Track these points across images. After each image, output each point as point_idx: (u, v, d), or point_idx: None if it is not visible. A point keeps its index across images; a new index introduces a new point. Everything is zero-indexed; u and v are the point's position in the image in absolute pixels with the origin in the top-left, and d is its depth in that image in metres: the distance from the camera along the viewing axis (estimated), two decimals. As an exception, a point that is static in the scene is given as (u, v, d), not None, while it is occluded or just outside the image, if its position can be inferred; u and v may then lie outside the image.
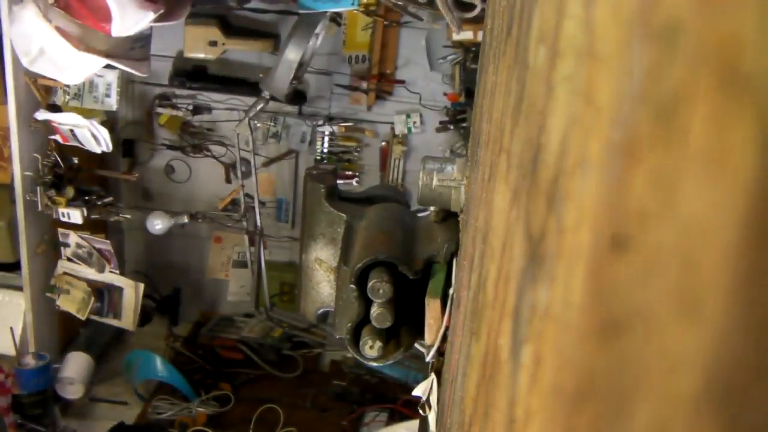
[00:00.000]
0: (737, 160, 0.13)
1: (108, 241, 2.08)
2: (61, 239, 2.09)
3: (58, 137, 1.94)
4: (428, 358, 0.86)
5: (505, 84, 0.47)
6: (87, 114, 1.91)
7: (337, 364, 2.33)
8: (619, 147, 0.19)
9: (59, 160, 1.96)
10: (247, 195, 2.35)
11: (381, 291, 0.84)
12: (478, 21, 1.26)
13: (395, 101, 2.36)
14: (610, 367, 0.18)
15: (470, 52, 1.99)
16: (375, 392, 2.18)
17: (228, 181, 2.42)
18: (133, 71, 1.73)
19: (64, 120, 1.88)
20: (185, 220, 2.22)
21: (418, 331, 0.88)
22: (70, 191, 1.97)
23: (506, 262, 0.36)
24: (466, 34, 1.70)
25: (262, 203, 2.38)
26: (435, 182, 0.90)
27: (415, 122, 2.35)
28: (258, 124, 2.36)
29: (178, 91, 2.35)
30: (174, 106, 2.35)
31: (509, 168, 0.39)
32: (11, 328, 2.03)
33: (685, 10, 0.15)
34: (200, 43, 2.19)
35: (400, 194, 1.30)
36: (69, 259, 2.10)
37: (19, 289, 2.08)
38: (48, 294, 2.11)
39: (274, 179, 2.48)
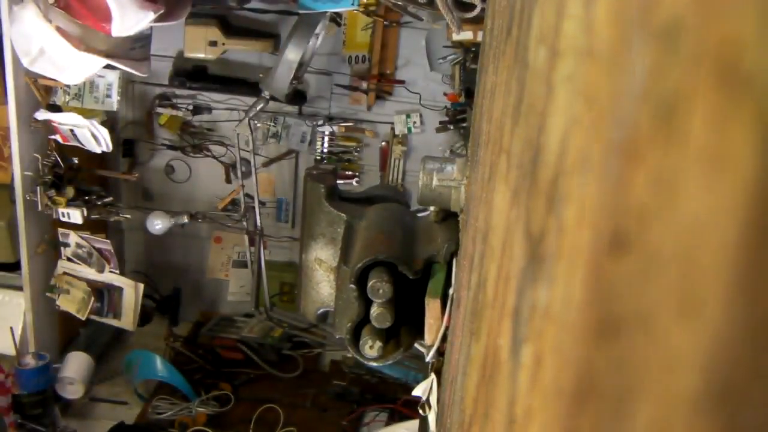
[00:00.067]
0: (737, 160, 0.13)
1: (108, 241, 2.08)
2: (61, 239, 2.09)
3: (58, 137, 1.94)
4: (428, 358, 0.86)
5: (505, 84, 0.47)
6: (87, 114, 1.91)
7: (337, 364, 2.33)
8: (619, 147, 0.19)
9: (59, 160, 1.96)
10: (247, 195, 2.35)
11: (381, 291, 0.84)
12: (478, 21, 1.26)
13: (395, 101, 2.36)
14: (609, 366, 0.18)
15: (470, 52, 1.99)
16: (375, 392, 2.18)
17: (228, 181, 2.42)
18: (133, 71, 1.73)
19: (65, 120, 1.88)
20: (185, 220, 2.22)
21: (418, 331, 0.88)
22: (70, 191, 1.97)
23: (506, 262, 0.36)
24: (466, 34, 1.70)
25: (262, 203, 2.38)
26: (435, 182, 0.90)
27: (415, 122, 2.35)
28: (258, 124, 2.36)
29: (178, 91, 2.35)
30: (174, 106, 2.35)
31: (509, 168, 0.39)
32: (11, 328, 2.03)
33: (685, 10, 0.15)
34: (200, 43, 2.19)
35: (400, 194, 1.30)
36: (69, 259, 2.10)
37: (19, 289, 2.08)
38: (48, 294, 2.11)
39: (274, 179, 2.48)
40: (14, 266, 2.09)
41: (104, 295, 2.12)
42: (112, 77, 1.93)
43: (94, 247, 2.08)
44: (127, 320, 2.14)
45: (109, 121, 2.11)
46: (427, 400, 0.89)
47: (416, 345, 0.92)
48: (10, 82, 1.85)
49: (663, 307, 0.15)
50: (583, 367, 0.20)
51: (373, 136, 2.39)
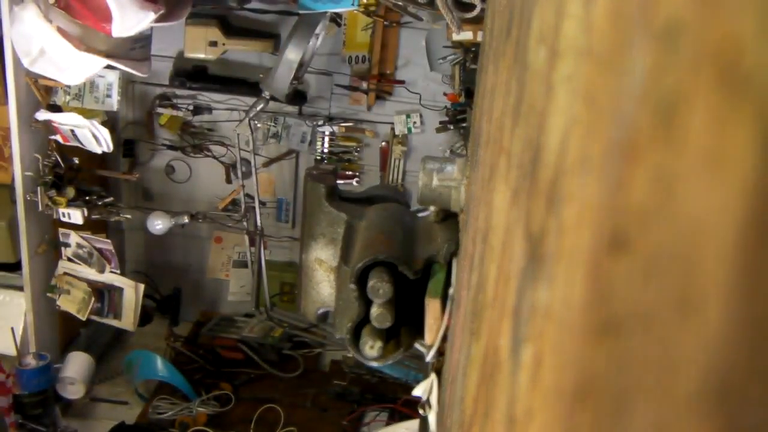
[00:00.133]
0: (737, 160, 0.13)
1: (109, 241, 2.08)
2: (61, 239, 2.09)
3: (58, 137, 1.94)
4: (428, 358, 0.86)
5: (505, 84, 0.47)
6: (88, 114, 1.91)
7: (337, 364, 2.33)
8: (619, 147, 0.19)
9: (60, 160, 1.96)
10: (247, 195, 2.35)
11: (381, 291, 0.84)
12: (478, 21, 1.26)
13: (395, 101, 2.36)
14: (609, 366, 0.18)
15: (470, 52, 1.99)
16: (375, 392, 2.18)
17: (228, 181, 2.42)
18: (133, 71, 1.74)
19: (65, 120, 1.88)
20: (185, 220, 2.22)
21: (418, 331, 0.88)
22: (70, 191, 1.97)
23: (506, 262, 0.36)
24: (466, 35, 1.70)
25: (262, 203, 2.38)
26: (435, 182, 0.90)
27: (415, 122, 2.35)
28: (258, 125, 2.36)
29: (179, 92, 2.35)
30: (174, 107, 2.35)
31: (509, 168, 0.39)
32: (12, 328, 2.03)
33: (685, 10, 0.15)
34: (200, 44, 2.19)
35: (400, 194, 1.30)
36: (69, 259, 2.11)
37: (20, 289, 2.08)
38: (48, 294, 2.11)
39: (274, 179, 2.48)
40: (15, 266, 2.09)
41: (105, 295, 2.12)
42: (113, 77, 1.93)
43: (94, 247, 2.08)
44: (127, 320, 2.14)
45: (110, 122, 2.11)
46: (427, 400, 0.89)
47: (416, 345, 0.92)
48: (10, 83, 1.85)
49: (662, 307, 0.15)
50: (583, 367, 0.20)
51: (373, 136, 2.39)
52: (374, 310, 0.86)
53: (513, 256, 0.34)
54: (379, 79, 2.31)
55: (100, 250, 2.08)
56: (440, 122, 2.29)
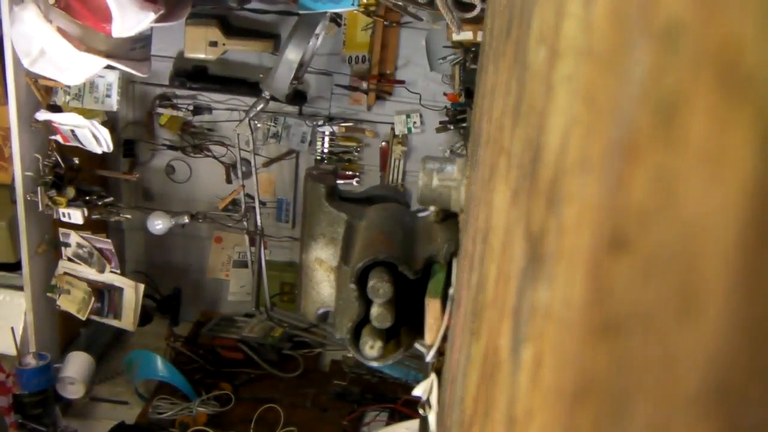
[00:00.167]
0: (737, 160, 0.13)
1: (109, 241, 2.08)
2: (61, 239, 2.09)
3: (58, 137, 1.94)
4: (428, 358, 0.86)
5: (505, 84, 0.47)
6: (88, 114, 1.91)
7: (337, 364, 2.33)
8: (619, 147, 0.19)
9: (60, 160, 1.96)
10: (247, 195, 2.35)
11: (381, 291, 0.84)
12: (478, 21, 1.26)
13: (395, 101, 2.36)
14: (609, 366, 0.18)
15: (470, 52, 1.99)
16: (375, 392, 2.18)
17: (228, 181, 2.42)
18: (133, 72, 1.74)
19: (65, 120, 1.88)
20: (186, 220, 2.22)
21: (418, 331, 0.88)
22: (70, 191, 1.97)
23: (506, 262, 0.36)
24: (466, 35, 1.70)
25: (262, 203, 2.38)
26: (435, 182, 0.90)
27: (415, 122, 2.35)
28: (258, 125, 2.36)
29: (179, 92, 2.35)
30: (174, 107, 2.35)
31: (509, 168, 0.39)
32: (12, 328, 2.04)
33: (685, 11, 0.15)
34: (200, 44, 2.19)
35: (400, 194, 1.30)
36: (70, 259, 2.11)
37: (20, 289, 2.08)
38: (48, 294, 2.11)
39: (274, 179, 2.48)
40: (15, 266, 2.09)
41: (105, 295, 2.12)
42: (112, 77, 1.93)
43: (95, 247, 2.08)
44: (127, 320, 2.14)
45: (110, 122, 2.11)
46: (427, 400, 0.89)
47: (416, 345, 0.92)
48: (10, 83, 1.85)
49: (662, 307, 0.15)
50: (583, 367, 0.20)
51: (373, 136, 2.39)
52: (374, 310, 0.86)
53: (513, 256, 0.34)
54: (379, 79, 2.31)
55: (100, 250, 2.08)
56: (440, 122, 2.29)
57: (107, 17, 1.53)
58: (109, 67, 1.67)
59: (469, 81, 2.07)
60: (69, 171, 1.99)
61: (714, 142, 0.14)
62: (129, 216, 2.16)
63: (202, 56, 2.22)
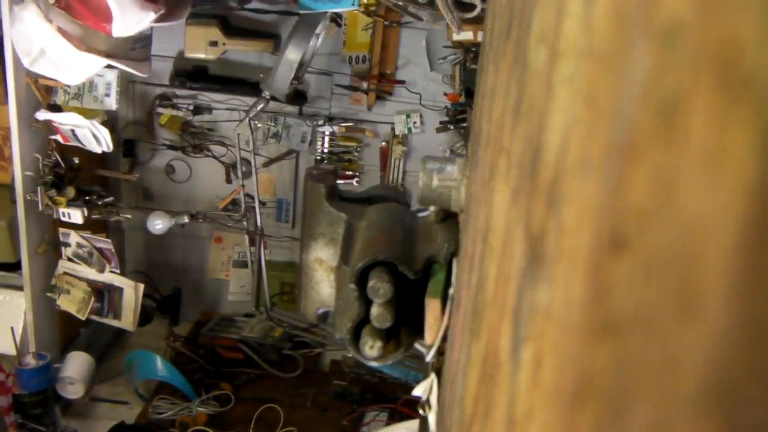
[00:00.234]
0: (737, 160, 0.13)
1: (109, 240, 2.08)
2: (61, 239, 2.09)
3: (58, 137, 1.94)
4: (428, 358, 0.86)
5: (505, 84, 0.47)
6: (88, 114, 1.91)
7: (337, 364, 2.33)
8: (619, 147, 0.19)
9: (60, 160, 1.96)
10: (247, 195, 2.35)
11: (381, 291, 0.84)
12: (478, 21, 1.26)
13: (395, 101, 2.36)
14: (609, 366, 0.18)
15: (470, 52, 1.99)
16: (375, 392, 2.18)
17: (228, 181, 2.42)
18: (133, 71, 1.74)
19: (65, 120, 1.88)
20: (185, 220, 2.22)
21: (418, 331, 0.88)
22: (70, 191, 1.97)
23: (506, 262, 0.36)
24: (466, 35, 1.70)
25: (262, 203, 2.38)
26: (435, 182, 0.90)
27: (415, 122, 2.35)
28: (258, 124, 2.36)
29: (179, 92, 2.35)
30: (174, 106, 2.35)
31: (509, 168, 0.39)
32: (12, 328, 2.03)
33: (686, 11, 0.15)
34: (201, 44, 2.19)
35: (400, 194, 1.30)
36: (69, 259, 2.11)
37: (20, 288, 2.08)
38: (48, 294, 2.11)
39: (274, 179, 2.48)
40: (15, 266, 2.09)
41: (104, 295, 2.12)
42: (111, 76, 1.93)
43: (95, 247, 2.08)
44: (127, 320, 2.14)
45: (110, 122, 2.11)
46: (427, 400, 0.89)
47: (416, 345, 0.92)
48: (10, 82, 1.85)
49: (662, 307, 0.15)
50: (583, 367, 0.20)
51: (373, 136, 2.39)
52: (374, 310, 0.86)
53: (513, 256, 0.34)
54: (380, 79, 2.31)
55: (100, 250, 2.08)
56: (440, 122, 2.29)
57: (107, 17, 1.53)
58: (108, 66, 1.67)
59: (470, 81, 2.07)
60: (69, 171, 1.99)
61: (714, 142, 0.14)
62: (129, 216, 2.16)
63: (202, 56, 2.22)
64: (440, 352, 0.85)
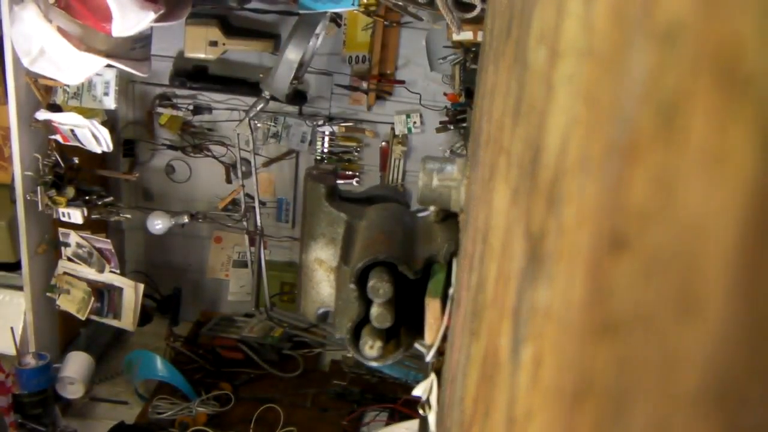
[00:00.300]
0: (737, 160, 0.13)
1: (108, 240, 2.08)
2: (61, 239, 2.09)
3: (58, 137, 1.94)
4: (428, 358, 0.86)
5: (505, 84, 0.47)
6: (87, 113, 1.91)
7: (337, 364, 2.33)
8: (619, 147, 0.19)
9: (60, 159, 1.96)
10: (247, 195, 2.35)
11: (381, 291, 0.84)
12: (478, 21, 1.26)
13: (395, 101, 2.36)
14: (609, 366, 0.18)
15: (470, 52, 1.99)
16: (375, 392, 2.18)
17: (228, 181, 2.42)
18: (133, 71, 1.74)
19: (65, 120, 1.88)
20: (185, 220, 2.22)
21: (418, 331, 0.88)
22: (70, 191, 1.97)
23: (506, 262, 0.36)
24: (466, 35, 1.70)
25: (262, 203, 2.38)
26: (435, 182, 0.90)
27: (415, 122, 2.35)
28: (258, 124, 2.36)
29: (179, 91, 2.35)
30: (174, 106, 2.35)
31: (509, 168, 0.39)
32: (12, 328, 2.03)
33: (686, 11, 0.15)
34: (201, 43, 2.19)
35: (400, 194, 1.30)
36: (69, 259, 2.11)
37: (20, 288, 2.08)
38: (48, 294, 2.11)
39: (274, 179, 2.48)
40: (15, 266, 2.09)
41: (104, 295, 2.12)
42: (110, 75, 1.93)
43: (94, 247, 2.08)
44: (127, 320, 2.14)
45: (110, 121, 2.11)
46: (427, 400, 0.89)
47: (416, 345, 0.92)
48: (10, 82, 1.85)
49: (662, 307, 0.15)
50: (583, 367, 0.20)
51: (373, 136, 2.39)
52: (374, 310, 0.86)
53: (513, 256, 0.34)
54: (379, 79, 2.31)
55: (100, 250, 2.08)
56: (440, 122, 2.29)
57: (107, 17, 1.53)
58: (108, 65, 1.67)
59: (470, 81, 2.07)
60: (69, 171, 1.99)
61: (714, 142, 0.14)
62: (129, 216, 2.16)
63: (202, 56, 2.22)
64: (440, 352, 0.85)
